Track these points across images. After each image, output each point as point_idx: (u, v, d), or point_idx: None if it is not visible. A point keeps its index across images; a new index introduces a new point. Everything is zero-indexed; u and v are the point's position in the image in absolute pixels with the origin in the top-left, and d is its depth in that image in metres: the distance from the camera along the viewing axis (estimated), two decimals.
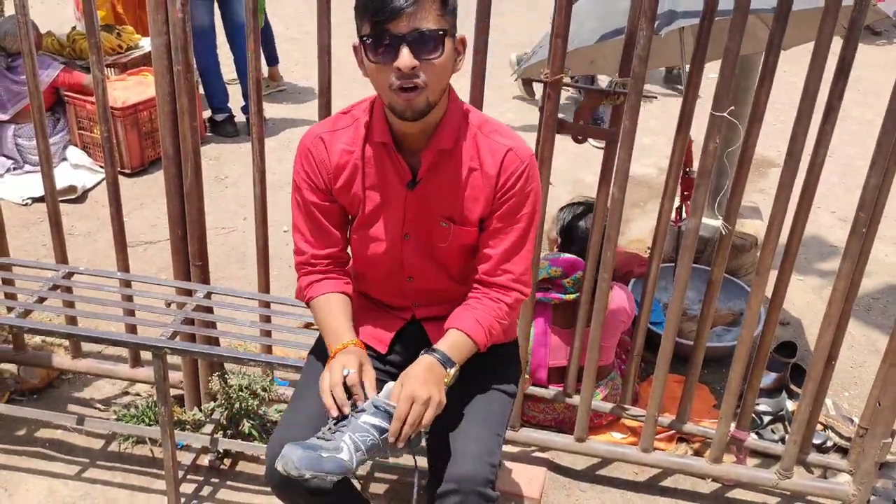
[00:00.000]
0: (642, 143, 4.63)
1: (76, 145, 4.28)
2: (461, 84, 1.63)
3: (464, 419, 1.69)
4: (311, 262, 1.75)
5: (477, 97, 2.04)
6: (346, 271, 1.80)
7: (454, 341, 1.63)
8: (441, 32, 1.47)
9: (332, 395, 1.53)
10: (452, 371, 1.59)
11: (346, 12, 1.61)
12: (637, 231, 3.94)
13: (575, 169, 4.46)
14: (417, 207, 1.67)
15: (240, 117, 4.85)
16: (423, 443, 1.59)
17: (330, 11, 2.05)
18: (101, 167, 4.18)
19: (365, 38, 1.48)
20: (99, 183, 4.09)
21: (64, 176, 3.99)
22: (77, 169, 4.16)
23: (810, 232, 3.92)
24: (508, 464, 2.43)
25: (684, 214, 2.92)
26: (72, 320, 2.36)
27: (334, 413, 1.52)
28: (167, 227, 3.66)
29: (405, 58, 1.46)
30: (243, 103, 4.82)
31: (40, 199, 3.90)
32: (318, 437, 1.51)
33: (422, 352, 1.61)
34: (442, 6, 1.48)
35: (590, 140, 2.65)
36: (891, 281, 3.65)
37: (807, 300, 3.39)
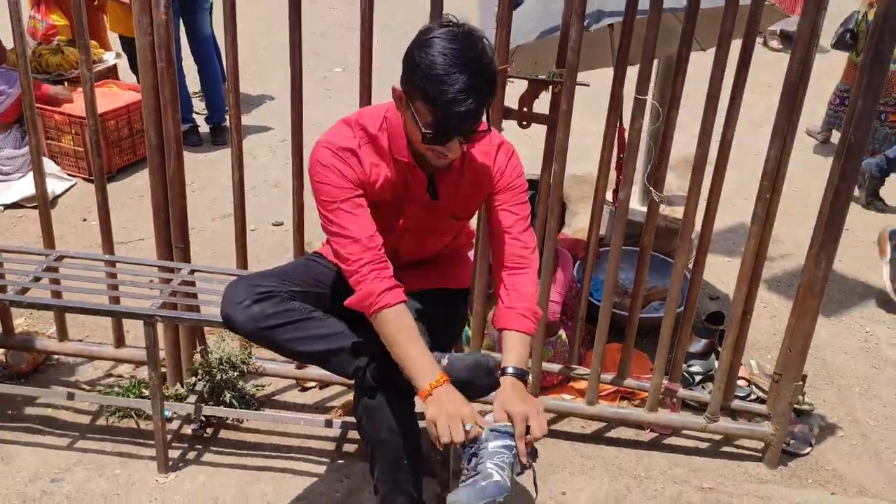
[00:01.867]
0: (585, 143, 4.99)
1: (44, 154, 4.43)
2: None
3: None
4: (371, 260, 1.77)
5: None
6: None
7: (516, 349, 1.87)
8: (485, 130, 1.72)
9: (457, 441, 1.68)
10: (529, 378, 1.84)
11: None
12: (582, 223, 4.24)
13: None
14: (428, 209, 1.94)
15: (203, 128, 5.05)
16: (536, 458, 1.80)
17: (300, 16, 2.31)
18: (70, 175, 4.36)
19: (427, 133, 1.66)
20: (68, 189, 4.26)
21: (33, 184, 4.13)
22: (46, 177, 4.30)
23: (739, 220, 4.29)
24: None
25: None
26: (63, 299, 2.54)
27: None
28: (138, 230, 3.91)
29: (455, 151, 1.73)
30: (206, 114, 5.03)
31: (12, 206, 4.05)
32: (462, 478, 1.71)
33: (499, 375, 1.84)
34: (492, 99, 1.70)
35: None
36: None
37: (734, 277, 3.71)
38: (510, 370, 1.83)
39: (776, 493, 2.50)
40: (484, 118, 1.70)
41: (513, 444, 1.72)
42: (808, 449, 2.72)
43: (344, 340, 1.89)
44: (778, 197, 2.35)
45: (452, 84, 1.59)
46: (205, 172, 4.59)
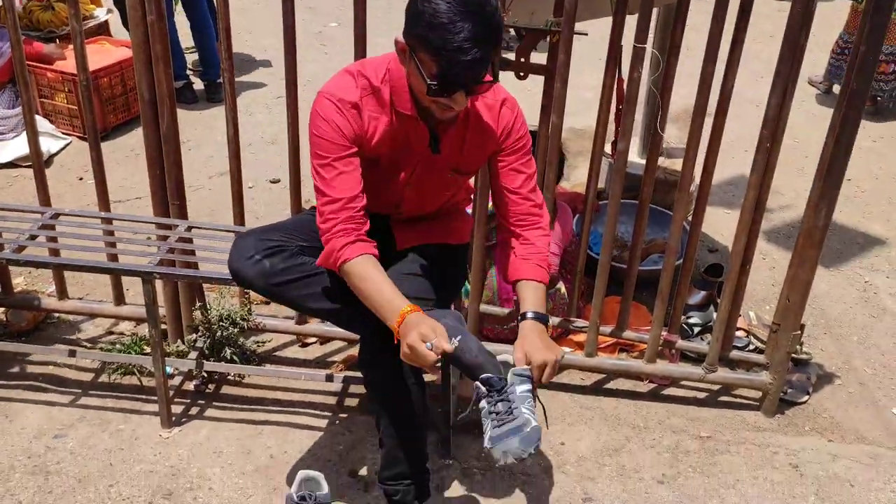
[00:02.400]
0: (585, 97, 4.93)
1: (38, 113, 4.39)
2: None
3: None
4: (343, 219, 1.76)
5: None
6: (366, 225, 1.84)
7: (534, 296, 1.88)
8: (490, 81, 1.69)
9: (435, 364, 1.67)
10: (549, 323, 1.86)
11: None
12: (581, 176, 4.22)
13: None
14: (429, 164, 1.91)
15: (197, 85, 4.99)
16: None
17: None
18: (65, 134, 4.32)
19: (432, 84, 1.63)
20: (64, 148, 4.23)
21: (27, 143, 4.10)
22: (41, 136, 4.26)
23: (738, 171, 4.27)
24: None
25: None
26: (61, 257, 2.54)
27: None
28: (135, 188, 3.89)
29: (460, 103, 1.69)
30: (201, 70, 4.97)
31: (8, 166, 4.02)
32: (496, 424, 1.72)
33: (519, 320, 1.86)
34: (497, 50, 1.68)
35: None
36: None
37: (733, 229, 3.70)
38: (530, 314, 1.84)
39: (773, 441, 2.53)
40: (489, 69, 1.68)
41: (531, 387, 1.78)
42: (806, 397, 2.74)
43: (353, 299, 1.87)
44: (778, 147, 2.33)
45: (457, 32, 1.56)
46: (200, 130, 4.55)
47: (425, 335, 1.63)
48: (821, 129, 2.44)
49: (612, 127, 2.57)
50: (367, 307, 1.83)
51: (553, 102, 2.35)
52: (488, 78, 1.69)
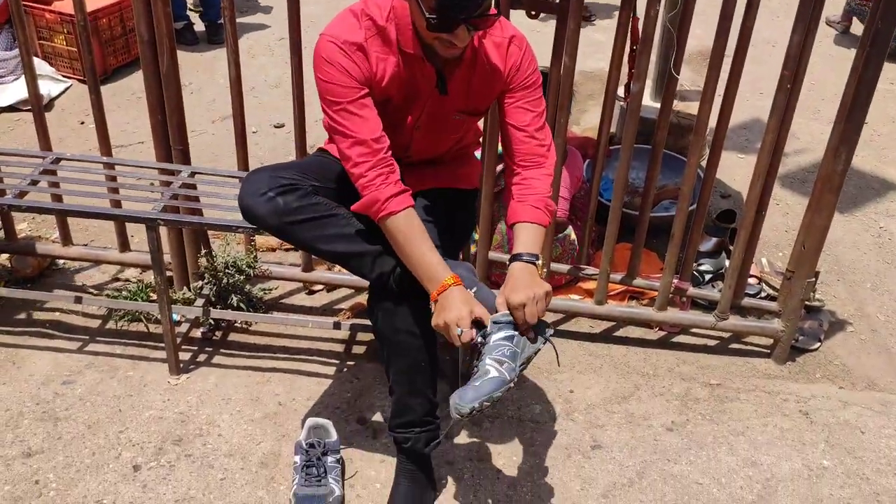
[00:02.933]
0: (596, 38, 4.81)
1: (37, 55, 4.30)
2: None
3: None
4: (377, 164, 1.72)
5: None
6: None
7: (525, 237, 1.82)
8: (493, 16, 1.60)
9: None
10: (540, 262, 1.79)
11: None
12: (592, 120, 4.13)
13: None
14: (436, 105, 1.84)
15: (198, 26, 4.87)
16: (550, 331, 1.76)
17: None
18: (65, 77, 4.24)
19: (431, 18, 1.56)
20: (64, 91, 4.15)
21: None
22: (40, 79, 4.18)
23: (752, 115, 4.17)
24: None
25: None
26: (63, 203, 2.50)
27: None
28: (138, 132, 3.83)
29: (463, 39, 1.61)
30: (201, 11, 4.85)
31: (8, 110, 3.96)
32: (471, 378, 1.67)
33: (508, 261, 1.80)
34: None
35: None
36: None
37: (747, 175, 3.63)
38: (523, 257, 1.79)
39: (783, 388, 2.51)
40: (493, 3, 1.60)
41: (514, 333, 1.69)
42: (817, 344, 2.72)
43: (367, 243, 1.83)
44: (799, 88, 2.25)
45: None
46: (202, 73, 4.46)
47: (461, 320, 1.65)
48: (837, 71, 2.37)
49: (625, 69, 2.49)
50: (380, 254, 1.79)
51: (566, 43, 2.26)
52: (493, 11, 1.61)
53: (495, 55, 1.82)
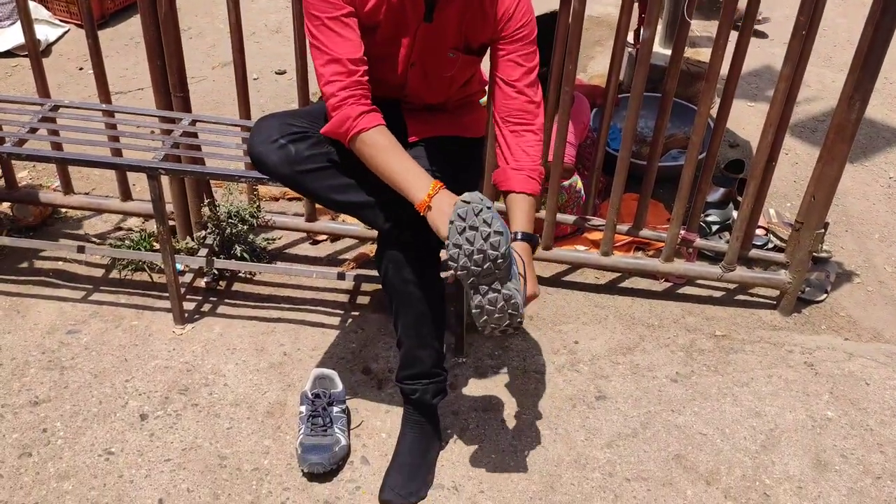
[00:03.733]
0: None
1: None
2: None
3: None
4: (349, 85, 1.67)
5: None
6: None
7: (526, 213, 1.81)
8: None
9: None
10: (539, 241, 1.83)
11: None
12: (599, 67, 4.06)
13: None
14: (428, 39, 1.79)
15: None
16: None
17: None
18: (62, 21, 4.15)
19: None
20: (62, 36, 4.07)
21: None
22: (37, 24, 4.10)
23: (763, 62, 4.09)
24: None
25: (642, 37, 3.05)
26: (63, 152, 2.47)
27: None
28: (136, 78, 3.76)
29: None
30: None
31: (6, 55, 3.88)
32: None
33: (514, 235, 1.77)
34: None
35: None
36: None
37: (757, 124, 3.58)
38: (520, 235, 1.78)
39: (789, 340, 2.51)
40: None
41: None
42: (824, 296, 2.70)
43: (380, 193, 1.79)
44: (814, 35, 2.19)
45: None
46: (201, 17, 4.37)
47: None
48: (851, 16, 2.30)
49: (635, 14, 2.42)
50: (394, 203, 1.75)
51: None
52: None
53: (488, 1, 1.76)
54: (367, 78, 1.72)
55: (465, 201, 1.58)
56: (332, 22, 1.68)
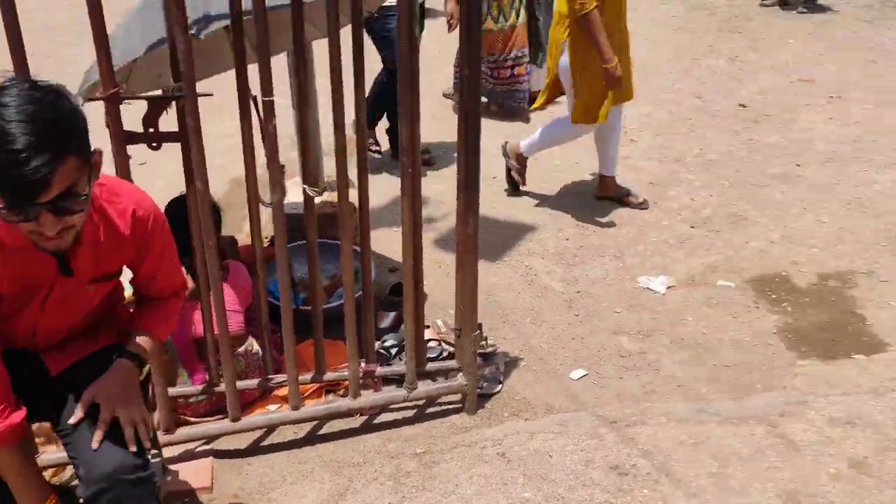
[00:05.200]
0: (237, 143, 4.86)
1: None
2: None
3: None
4: None
5: None
6: None
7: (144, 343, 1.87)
8: (83, 196, 1.48)
9: None
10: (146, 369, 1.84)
11: None
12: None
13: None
14: (64, 286, 1.71)
15: None
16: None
17: None
18: None
19: (1, 209, 1.41)
20: None
21: None
22: None
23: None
24: (173, 466, 2.51)
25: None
26: None
27: None
28: None
29: (50, 226, 1.46)
30: None
31: None
32: None
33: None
34: (79, 159, 1.45)
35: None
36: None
37: None
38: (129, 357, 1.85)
39: (480, 437, 2.70)
40: (83, 185, 1.49)
41: None
42: (500, 386, 2.98)
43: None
44: (419, 174, 2.49)
45: (10, 143, 1.36)
46: None
47: None
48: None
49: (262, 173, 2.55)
50: None
51: (194, 168, 2.27)
52: (72, 189, 1.47)
53: (120, 222, 1.74)
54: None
55: None
56: None
